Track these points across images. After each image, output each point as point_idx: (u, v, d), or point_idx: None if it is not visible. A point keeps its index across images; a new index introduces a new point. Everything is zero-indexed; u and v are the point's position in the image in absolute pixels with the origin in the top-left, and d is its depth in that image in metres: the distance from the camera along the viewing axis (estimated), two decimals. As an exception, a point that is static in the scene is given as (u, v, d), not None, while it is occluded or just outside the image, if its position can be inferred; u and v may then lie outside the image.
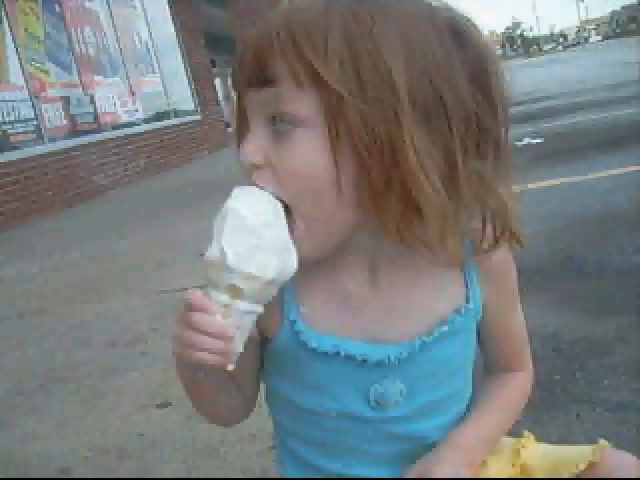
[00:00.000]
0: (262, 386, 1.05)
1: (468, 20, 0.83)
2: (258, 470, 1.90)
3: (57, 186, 9.66)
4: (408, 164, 0.77)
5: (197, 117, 15.23)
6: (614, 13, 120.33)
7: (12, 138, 9.26)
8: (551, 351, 2.25)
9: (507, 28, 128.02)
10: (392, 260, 0.91)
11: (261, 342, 0.98)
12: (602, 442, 0.95)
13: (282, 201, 0.83)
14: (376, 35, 0.77)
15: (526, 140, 6.73)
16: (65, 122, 10.55)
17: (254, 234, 0.78)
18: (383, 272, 0.92)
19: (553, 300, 2.71)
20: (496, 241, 0.89)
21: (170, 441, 2.16)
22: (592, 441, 0.97)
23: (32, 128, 9.73)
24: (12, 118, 9.34)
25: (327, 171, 0.80)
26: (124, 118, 12.45)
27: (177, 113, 14.49)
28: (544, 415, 1.87)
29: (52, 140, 10.04)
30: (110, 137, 11.54)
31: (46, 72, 10.37)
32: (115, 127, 11.95)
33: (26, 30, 10.05)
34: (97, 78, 11.87)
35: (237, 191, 0.82)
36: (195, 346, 0.79)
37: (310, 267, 0.90)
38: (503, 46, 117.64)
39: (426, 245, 0.83)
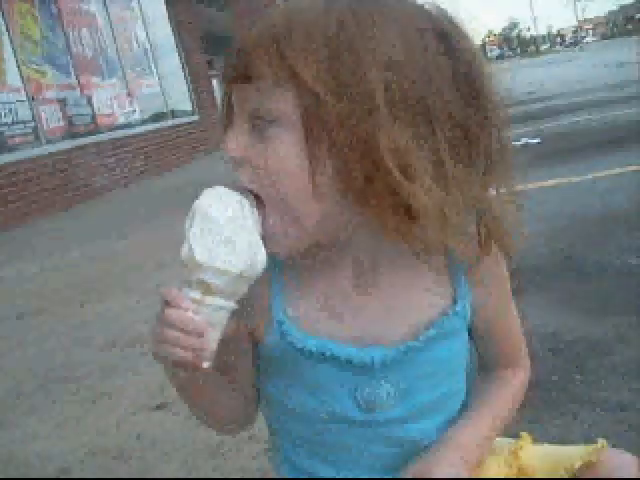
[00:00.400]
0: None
1: (455, 22, 0.83)
2: (257, 470, 1.91)
3: (56, 187, 9.66)
4: (385, 164, 0.78)
5: (195, 118, 15.23)
6: (611, 13, 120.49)
7: (9, 140, 9.26)
8: (551, 351, 2.26)
9: (504, 28, 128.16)
10: (378, 263, 0.91)
11: (253, 346, 0.98)
12: (601, 441, 0.95)
13: (258, 196, 0.84)
14: (357, 36, 0.78)
15: (524, 140, 6.73)
16: (63, 124, 10.55)
17: (220, 230, 0.80)
18: (369, 275, 0.92)
19: (553, 300, 2.72)
20: (480, 247, 0.89)
21: (169, 441, 2.17)
22: (591, 441, 0.97)
23: (30, 130, 9.73)
24: (9, 120, 9.33)
25: (301, 169, 0.81)
26: (122, 119, 12.45)
27: (175, 114, 14.49)
28: (543, 415, 1.88)
29: (50, 142, 10.04)
30: (108, 138, 11.54)
31: (43, 74, 10.37)
32: (113, 128, 11.95)
33: (23, 32, 10.04)
34: (95, 79, 11.87)
35: (206, 191, 0.84)
36: (167, 342, 0.81)
37: (298, 270, 0.92)
38: (500, 46, 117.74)
39: (425, 244, 0.84)
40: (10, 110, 9.38)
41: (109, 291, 4.30)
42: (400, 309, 0.92)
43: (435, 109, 0.79)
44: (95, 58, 12.08)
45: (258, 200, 0.85)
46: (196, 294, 0.81)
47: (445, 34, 0.82)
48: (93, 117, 11.52)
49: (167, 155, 13.24)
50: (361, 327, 0.92)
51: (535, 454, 1.00)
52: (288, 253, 0.89)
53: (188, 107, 15.26)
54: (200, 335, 0.80)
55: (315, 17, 0.80)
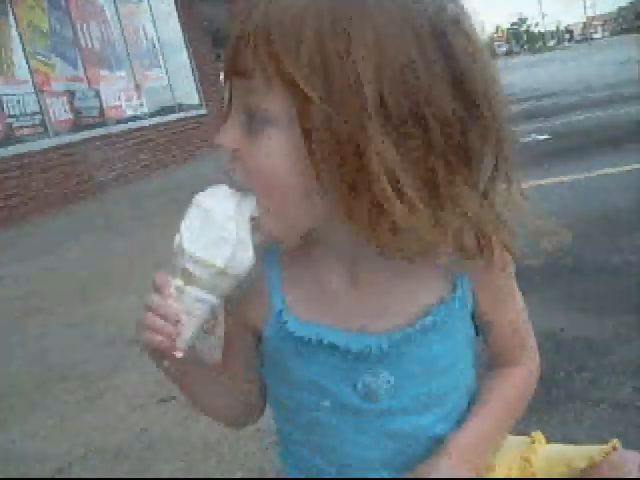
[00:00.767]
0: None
1: (456, 22, 0.79)
2: (257, 468, 1.91)
3: (62, 180, 9.68)
4: (371, 170, 0.76)
5: (202, 111, 15.23)
6: (621, 9, 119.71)
7: (17, 131, 9.28)
8: (551, 351, 2.26)
9: (513, 24, 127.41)
10: (375, 252, 0.87)
11: (255, 340, 0.99)
12: (614, 441, 0.93)
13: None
14: (350, 38, 0.75)
15: (530, 137, 6.70)
16: (70, 116, 10.57)
17: (212, 223, 0.82)
18: (365, 266, 0.91)
19: (553, 300, 2.71)
20: (481, 252, 0.86)
21: (168, 440, 2.17)
22: (591, 441, 0.97)
23: (37, 122, 9.75)
24: (17, 112, 9.36)
25: (288, 169, 0.80)
26: (129, 112, 12.47)
27: (182, 107, 14.50)
28: (543, 414, 1.88)
29: (57, 134, 10.06)
30: (115, 131, 11.56)
31: (51, 66, 10.40)
32: (120, 121, 11.97)
33: (31, 24, 10.06)
34: (102, 72, 11.89)
35: (209, 188, 0.85)
36: (146, 326, 0.82)
37: (295, 263, 0.92)
38: (508, 41, 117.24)
39: (405, 255, 0.83)
40: (18, 102, 9.41)
41: (109, 291, 4.29)
42: (397, 298, 0.92)
43: (430, 119, 0.76)
44: (103, 51, 12.09)
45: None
46: (179, 282, 0.82)
47: (444, 34, 0.78)
48: (101, 110, 11.54)
49: (174, 148, 13.25)
50: (359, 317, 0.92)
51: (543, 455, 0.99)
52: (282, 248, 0.90)
53: (195, 100, 15.26)
54: (174, 323, 0.81)
55: (314, 15, 0.77)
